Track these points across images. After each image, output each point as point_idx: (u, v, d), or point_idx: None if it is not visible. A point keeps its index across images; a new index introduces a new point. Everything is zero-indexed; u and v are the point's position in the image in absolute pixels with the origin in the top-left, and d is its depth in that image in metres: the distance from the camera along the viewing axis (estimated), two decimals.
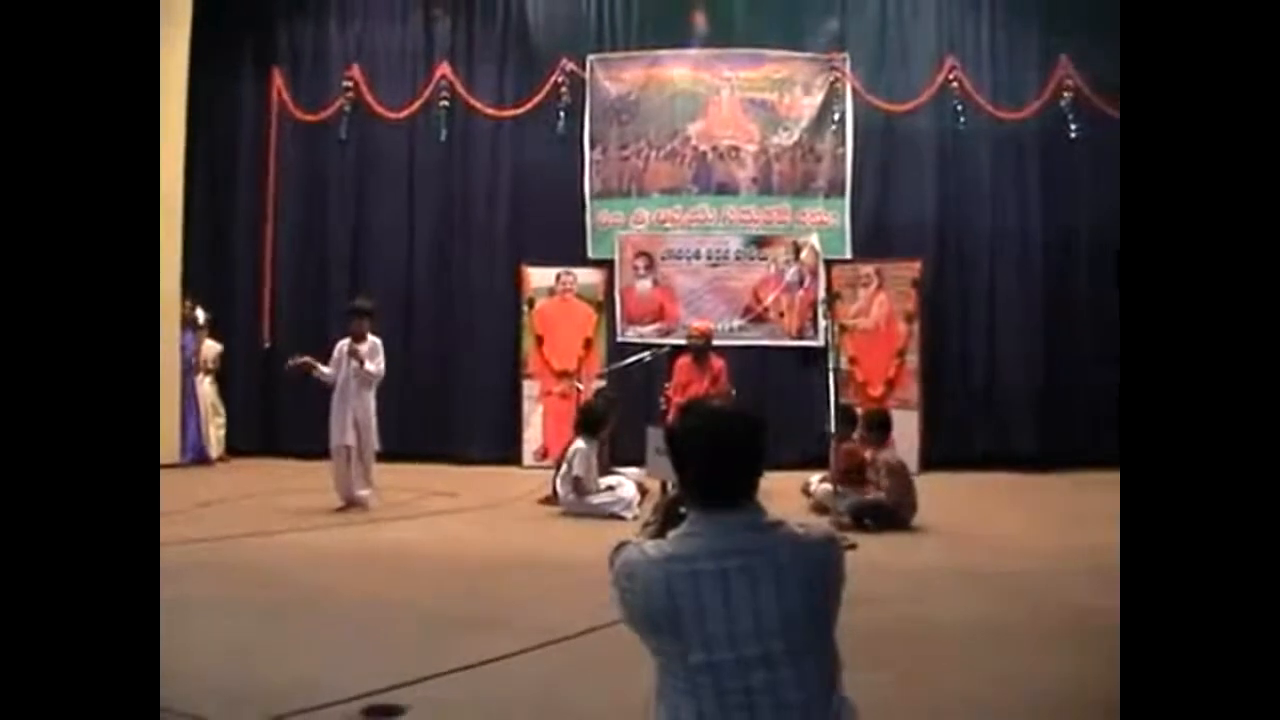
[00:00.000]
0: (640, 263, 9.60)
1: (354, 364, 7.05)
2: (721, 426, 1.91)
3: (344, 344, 7.13)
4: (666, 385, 8.20)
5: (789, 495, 7.15)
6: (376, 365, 7.13)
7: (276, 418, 9.71)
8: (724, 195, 9.60)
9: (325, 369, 7.11)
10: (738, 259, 9.55)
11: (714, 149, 9.57)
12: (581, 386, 8.67)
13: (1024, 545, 5.94)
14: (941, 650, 3.99)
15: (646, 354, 8.49)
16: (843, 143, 9.50)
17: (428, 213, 9.81)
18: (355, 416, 7.07)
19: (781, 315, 9.50)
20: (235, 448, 9.73)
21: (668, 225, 9.61)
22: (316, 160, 9.90)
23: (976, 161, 9.51)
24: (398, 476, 8.01)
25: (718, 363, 8.18)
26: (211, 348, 9.71)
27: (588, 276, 9.59)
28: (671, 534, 1.90)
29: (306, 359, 7.10)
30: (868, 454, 6.85)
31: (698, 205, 9.60)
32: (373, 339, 7.21)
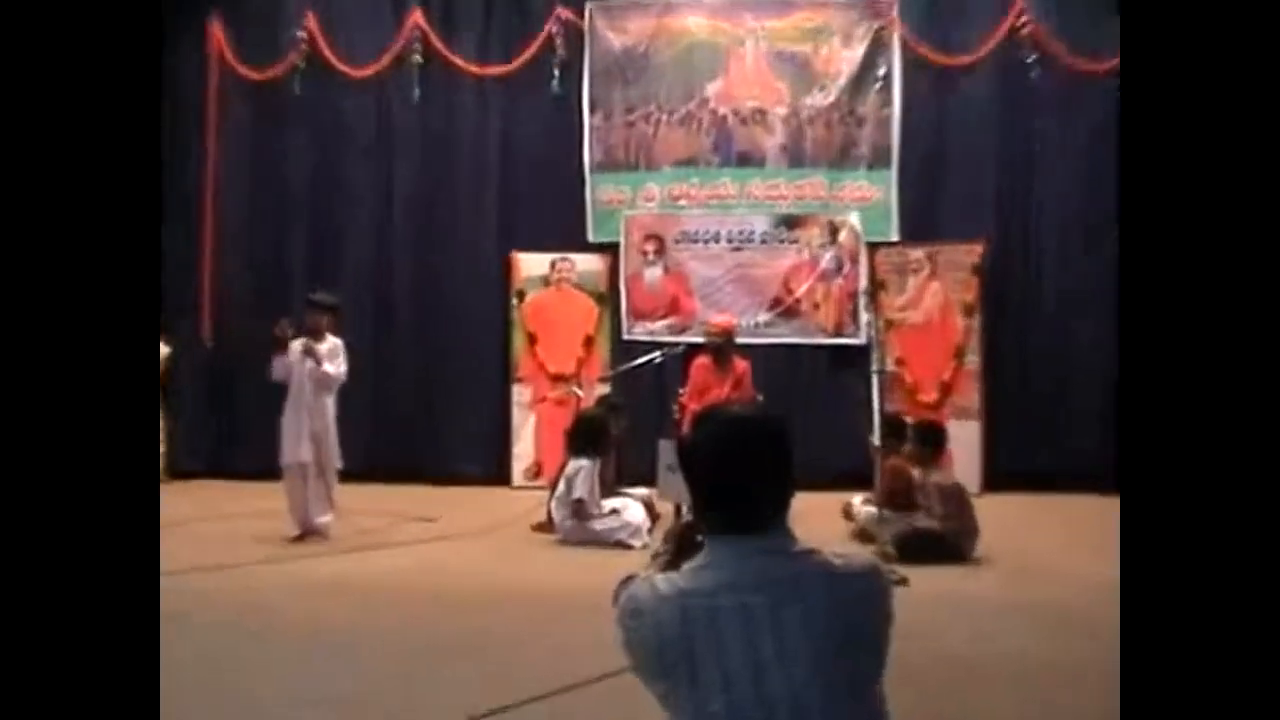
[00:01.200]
0: (649, 247, 9.64)
1: (309, 364, 7.05)
2: (741, 435, 1.91)
3: (299, 342, 7.08)
4: (681, 391, 8.23)
5: (827, 518, 7.19)
6: (336, 367, 7.14)
7: (226, 431, 9.74)
8: (748, 167, 9.63)
9: (286, 360, 7.00)
10: (764, 242, 9.58)
11: (736, 113, 9.61)
12: (581, 392, 8.73)
13: (1097, 578, 5.93)
14: (992, 693, 4.07)
15: (657, 354, 8.51)
16: (889, 103, 9.51)
17: (399, 189, 9.86)
18: (312, 427, 7.08)
19: (816, 308, 9.53)
20: (181, 468, 9.64)
21: (682, 203, 9.65)
22: (266, 126, 9.95)
23: (1049, 124, 9.46)
24: (366, 498, 8.06)
25: (741, 364, 8.23)
26: None
27: (588, 263, 9.61)
28: (686, 566, 1.91)
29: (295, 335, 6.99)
30: (916, 473, 6.88)
31: (717, 179, 9.63)
32: (333, 339, 7.23)
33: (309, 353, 7.04)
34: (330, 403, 7.22)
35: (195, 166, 9.97)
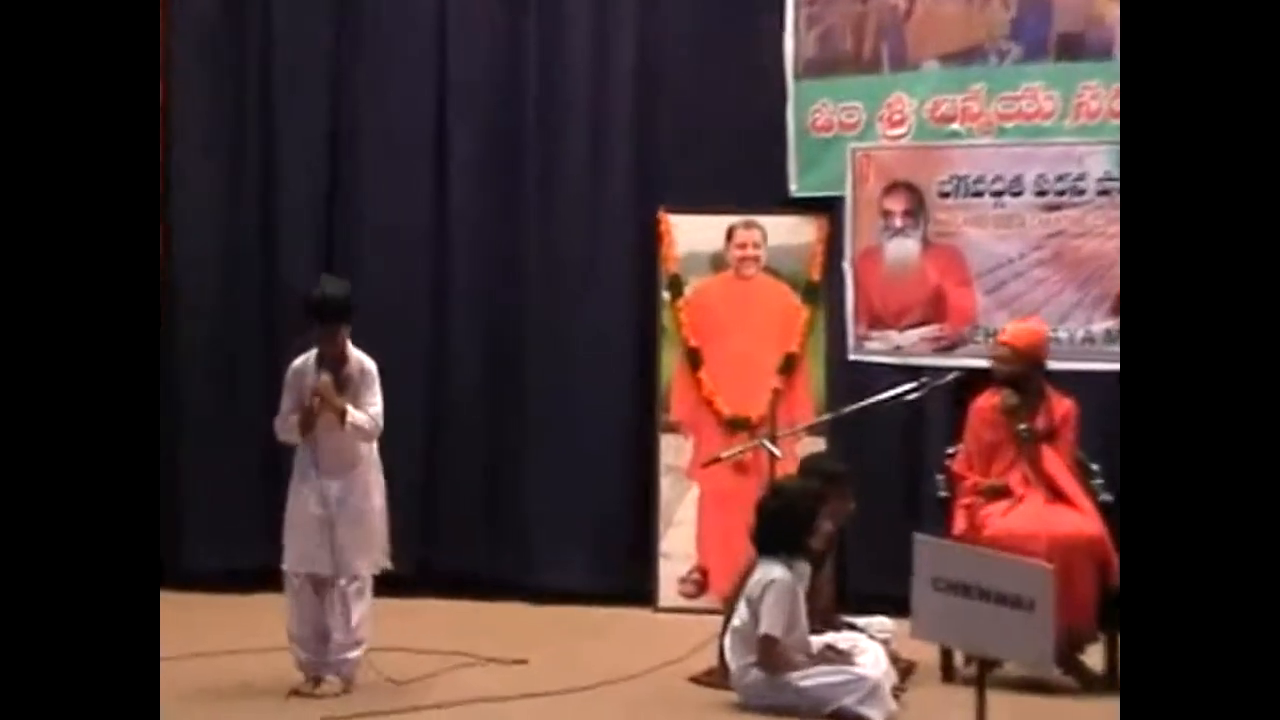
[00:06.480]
0: (896, 204, 9.46)
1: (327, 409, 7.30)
2: None
3: (306, 364, 7.31)
4: (951, 451, 8.17)
5: None
6: (369, 408, 7.31)
7: (174, 512, 9.69)
8: (1076, 61, 9.29)
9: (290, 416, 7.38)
10: (1104, 194, 9.18)
11: None
12: (778, 451, 8.50)
13: None
14: None
15: (910, 386, 8.45)
16: None
17: (475, 119, 10.00)
18: (330, 513, 7.26)
19: None
20: None
21: (955, 127, 9.44)
22: (238, 20, 10.17)
23: None
24: (416, 623, 8.33)
25: (1061, 405, 7.99)
26: None
27: (789, 232, 9.62)
28: None
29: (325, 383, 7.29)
30: None
31: (1017, 85, 9.34)
32: (358, 356, 7.38)
33: (321, 396, 7.24)
34: (371, 466, 7.46)
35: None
